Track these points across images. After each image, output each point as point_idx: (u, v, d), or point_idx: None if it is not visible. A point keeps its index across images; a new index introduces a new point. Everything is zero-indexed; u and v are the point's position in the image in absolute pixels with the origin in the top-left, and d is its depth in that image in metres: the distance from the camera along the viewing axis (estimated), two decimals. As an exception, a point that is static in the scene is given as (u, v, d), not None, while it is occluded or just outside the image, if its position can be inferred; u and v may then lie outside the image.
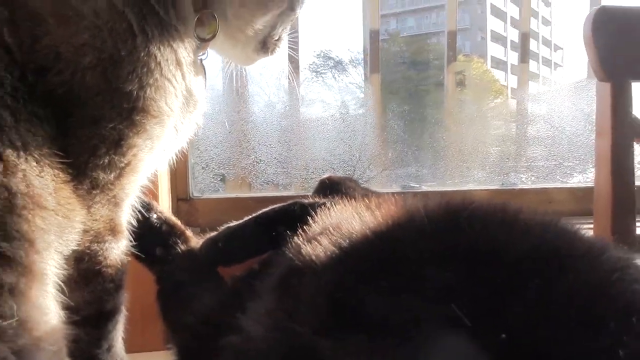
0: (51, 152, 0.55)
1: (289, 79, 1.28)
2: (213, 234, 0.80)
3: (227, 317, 0.56)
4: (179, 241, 0.87)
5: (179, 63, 0.63)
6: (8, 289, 0.50)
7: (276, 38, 0.78)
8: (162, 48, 0.60)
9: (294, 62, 1.30)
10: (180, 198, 1.20)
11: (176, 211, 1.18)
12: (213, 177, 1.25)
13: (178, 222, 0.90)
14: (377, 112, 1.55)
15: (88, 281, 0.62)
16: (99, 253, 0.62)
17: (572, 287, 0.38)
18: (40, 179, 0.53)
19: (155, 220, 0.87)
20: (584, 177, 1.46)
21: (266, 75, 1.40)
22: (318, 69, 2.45)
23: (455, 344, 0.35)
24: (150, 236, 0.82)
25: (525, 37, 1.47)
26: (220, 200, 1.23)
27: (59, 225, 0.55)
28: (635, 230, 1.05)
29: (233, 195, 1.27)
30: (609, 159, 1.01)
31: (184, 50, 0.64)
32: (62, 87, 0.55)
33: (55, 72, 0.55)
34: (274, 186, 1.27)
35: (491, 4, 16.21)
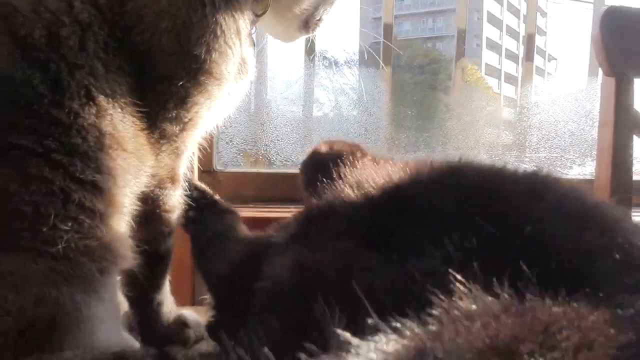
0: (132, 102, 0.62)
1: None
2: None
3: (256, 266, 0.63)
4: (209, 204, 0.94)
5: (238, 32, 0.70)
6: (99, 215, 0.57)
7: (317, 18, 0.86)
8: (226, 18, 0.67)
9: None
10: (204, 170, 1.27)
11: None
12: (236, 152, 1.32)
13: (207, 188, 0.97)
14: (388, 100, 1.63)
15: (149, 222, 0.69)
16: (160, 198, 0.70)
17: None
18: (123, 124, 0.60)
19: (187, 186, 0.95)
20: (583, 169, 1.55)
21: (287, 58, 1.47)
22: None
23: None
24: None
25: (531, 37, 1.55)
26: (241, 174, 1.31)
27: (135, 167, 0.63)
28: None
29: (254, 170, 1.34)
30: (611, 150, 1.09)
31: (243, 21, 0.71)
32: (142, 46, 0.62)
33: (138, 32, 0.62)
34: (293, 164, 1.35)
35: (488, 11, 16.37)
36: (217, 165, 1.30)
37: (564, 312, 0.31)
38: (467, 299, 0.32)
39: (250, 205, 1.25)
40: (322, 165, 0.79)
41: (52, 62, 0.56)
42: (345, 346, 0.28)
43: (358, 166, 0.71)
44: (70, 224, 0.54)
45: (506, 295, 0.32)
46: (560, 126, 1.58)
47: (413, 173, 0.59)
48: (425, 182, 0.56)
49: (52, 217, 0.53)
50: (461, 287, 0.33)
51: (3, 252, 0.52)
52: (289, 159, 1.37)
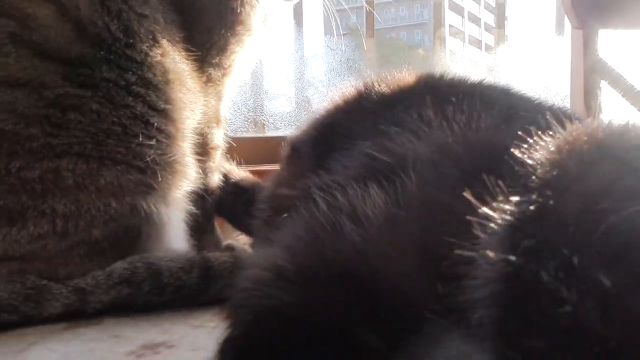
0: (185, 47, 0.73)
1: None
2: None
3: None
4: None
5: None
6: (172, 137, 0.68)
7: None
8: None
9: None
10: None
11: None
12: (243, 119, 1.42)
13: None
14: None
15: (199, 156, 0.79)
16: (207, 135, 0.80)
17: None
18: (181, 64, 0.71)
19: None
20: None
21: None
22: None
23: None
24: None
25: (501, 5, 1.71)
26: (249, 140, 1.41)
27: (192, 102, 0.73)
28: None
29: (260, 135, 1.44)
30: (582, 94, 1.24)
31: None
32: (187, 0, 0.74)
33: None
34: (297, 127, 1.46)
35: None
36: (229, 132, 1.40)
37: None
38: None
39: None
40: None
41: (124, 12, 0.66)
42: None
43: None
44: (152, 142, 0.65)
45: None
46: (534, 82, 1.72)
47: None
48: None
49: (139, 136, 0.64)
50: None
51: (105, 166, 0.62)
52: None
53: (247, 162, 1.40)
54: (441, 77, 0.64)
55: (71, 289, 0.62)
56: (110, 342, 0.57)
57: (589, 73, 1.27)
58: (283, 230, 0.42)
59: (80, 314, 0.62)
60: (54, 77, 0.62)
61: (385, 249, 0.32)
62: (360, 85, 0.65)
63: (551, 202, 0.26)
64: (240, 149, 1.40)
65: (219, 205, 0.91)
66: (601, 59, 1.26)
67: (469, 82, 0.62)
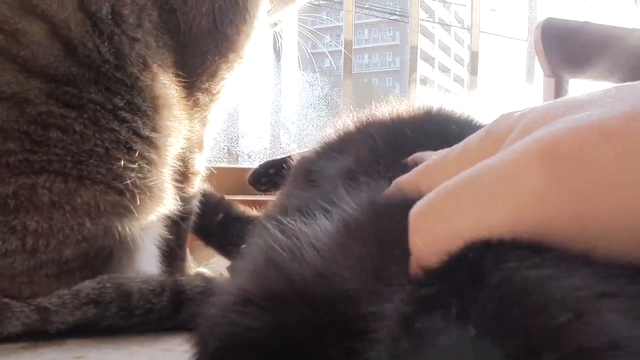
0: (175, 72, 0.73)
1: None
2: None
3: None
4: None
5: (258, 20, 0.83)
6: (153, 164, 0.68)
7: None
8: (252, 7, 0.80)
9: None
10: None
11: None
12: (219, 150, 1.43)
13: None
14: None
15: (179, 182, 0.80)
16: (189, 161, 0.81)
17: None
18: (170, 90, 0.72)
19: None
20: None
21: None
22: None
23: None
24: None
25: (475, 54, 1.78)
26: (223, 170, 1.42)
27: (177, 129, 0.74)
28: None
29: (234, 166, 1.45)
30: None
31: (263, 11, 0.84)
32: (185, 25, 0.74)
33: (182, 13, 0.74)
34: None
35: (421, 49, 17.24)
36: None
37: None
38: None
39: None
40: None
41: (116, 35, 0.67)
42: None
43: None
44: (134, 166, 0.65)
45: None
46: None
47: None
48: None
49: (121, 160, 0.64)
50: None
51: (83, 186, 0.62)
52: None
53: (220, 191, 1.40)
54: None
55: (34, 307, 0.61)
56: (73, 364, 0.56)
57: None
58: (244, 257, 0.42)
59: (43, 334, 0.60)
60: (39, 94, 0.62)
61: (343, 273, 0.33)
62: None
63: None
64: (214, 178, 1.40)
65: (203, 229, 0.93)
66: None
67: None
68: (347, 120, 0.62)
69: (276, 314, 0.34)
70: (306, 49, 1.52)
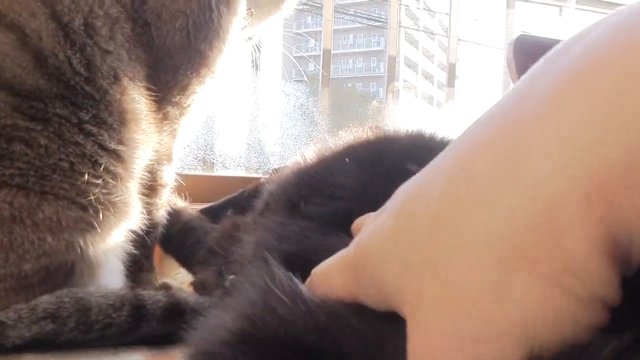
0: (146, 86, 0.73)
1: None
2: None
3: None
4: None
5: (232, 36, 0.83)
6: (119, 178, 0.68)
7: None
8: (226, 23, 0.81)
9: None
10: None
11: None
12: (193, 158, 1.43)
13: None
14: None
15: (148, 193, 0.79)
16: (157, 173, 0.80)
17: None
18: (139, 104, 0.72)
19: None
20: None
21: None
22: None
23: None
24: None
25: (452, 66, 1.81)
26: (196, 177, 1.41)
27: (145, 142, 0.74)
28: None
29: (208, 174, 1.45)
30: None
31: (237, 27, 0.84)
32: (158, 39, 0.74)
33: (155, 27, 0.74)
34: (246, 169, 1.47)
35: (404, 55, 17.38)
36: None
37: None
38: None
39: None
40: None
41: (88, 46, 0.67)
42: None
43: None
44: (99, 181, 0.65)
45: None
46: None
47: None
48: None
49: (85, 174, 0.64)
50: None
51: (46, 201, 0.61)
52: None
53: (195, 200, 1.39)
54: None
55: (-11, 322, 0.60)
56: (28, 379, 0.55)
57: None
58: (238, 294, 0.42)
59: (-2, 348, 0.60)
60: (4, 107, 0.61)
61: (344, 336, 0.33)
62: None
63: None
64: (188, 187, 1.40)
65: (168, 242, 0.92)
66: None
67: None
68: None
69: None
70: (289, 55, 1.52)
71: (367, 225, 0.30)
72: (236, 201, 0.96)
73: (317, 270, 0.35)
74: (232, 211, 0.88)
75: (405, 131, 0.63)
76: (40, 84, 0.63)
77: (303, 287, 0.34)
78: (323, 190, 0.51)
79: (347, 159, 0.55)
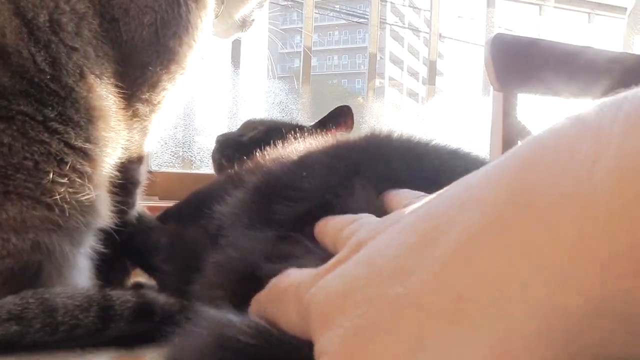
0: (114, 83, 0.72)
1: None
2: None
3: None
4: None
5: (202, 31, 0.83)
6: (87, 177, 0.67)
7: (251, 19, 1.01)
8: (195, 18, 0.80)
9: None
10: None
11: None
12: (170, 154, 1.42)
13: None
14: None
15: (119, 192, 0.78)
16: (127, 171, 0.79)
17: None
18: (107, 101, 0.71)
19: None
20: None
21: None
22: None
23: None
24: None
25: (433, 63, 1.82)
26: (174, 175, 1.40)
27: (114, 140, 0.72)
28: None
29: (186, 171, 1.44)
30: (500, 152, 1.32)
31: (207, 22, 0.84)
32: (126, 35, 0.73)
33: (123, 23, 0.73)
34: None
35: (390, 52, 17.41)
36: (153, 166, 1.39)
37: None
38: None
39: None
40: None
41: (53, 43, 0.66)
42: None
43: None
44: (64, 180, 0.64)
45: None
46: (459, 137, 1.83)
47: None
48: None
49: (50, 173, 0.63)
50: None
51: (9, 201, 0.60)
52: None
53: (172, 197, 1.38)
54: None
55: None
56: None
57: (507, 133, 1.36)
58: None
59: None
60: None
61: None
62: None
63: None
64: (165, 184, 1.39)
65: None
66: (519, 120, 1.36)
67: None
68: None
69: None
70: (268, 51, 1.51)
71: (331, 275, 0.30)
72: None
73: (277, 285, 0.36)
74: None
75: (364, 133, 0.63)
76: (4, 81, 0.62)
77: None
78: (284, 194, 0.50)
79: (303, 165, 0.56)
